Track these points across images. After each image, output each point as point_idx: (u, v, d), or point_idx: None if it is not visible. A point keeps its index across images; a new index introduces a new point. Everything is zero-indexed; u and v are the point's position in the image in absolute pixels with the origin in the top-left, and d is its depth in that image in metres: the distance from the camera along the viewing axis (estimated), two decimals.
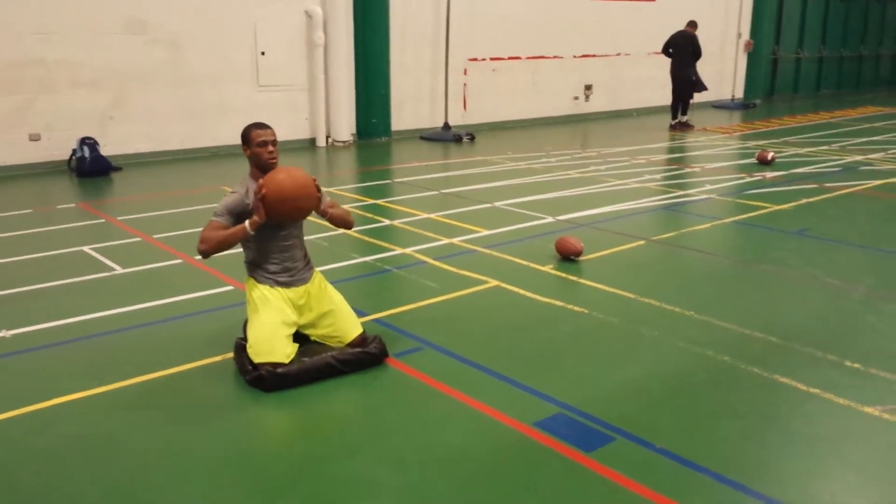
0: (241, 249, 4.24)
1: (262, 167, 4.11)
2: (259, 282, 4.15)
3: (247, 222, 3.95)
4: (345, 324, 4.26)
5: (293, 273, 4.17)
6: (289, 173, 3.96)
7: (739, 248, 6.67)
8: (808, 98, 21.20)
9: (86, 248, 6.39)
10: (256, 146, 4.08)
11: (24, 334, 4.64)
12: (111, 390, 3.92)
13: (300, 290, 4.19)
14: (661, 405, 3.77)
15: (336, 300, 4.29)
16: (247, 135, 4.12)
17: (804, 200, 8.15)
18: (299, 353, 4.11)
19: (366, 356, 4.16)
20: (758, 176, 9.57)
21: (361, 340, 4.24)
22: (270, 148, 4.09)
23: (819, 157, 10.94)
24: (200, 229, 4.05)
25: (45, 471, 3.23)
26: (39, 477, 3.19)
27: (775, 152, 10.71)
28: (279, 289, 4.13)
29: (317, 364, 4.03)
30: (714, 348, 4.40)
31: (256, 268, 4.17)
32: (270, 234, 4.09)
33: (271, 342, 3.97)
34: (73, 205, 8.18)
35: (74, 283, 5.56)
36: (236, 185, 4.17)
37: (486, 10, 13.97)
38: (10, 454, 3.36)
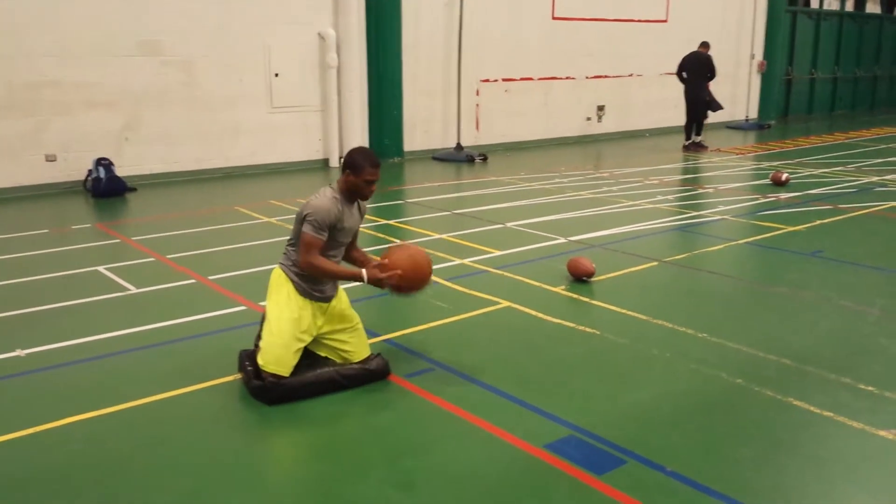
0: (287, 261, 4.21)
1: (356, 196, 4.14)
2: (290, 279, 4.13)
3: (365, 273, 4.03)
4: (359, 344, 4.30)
5: (326, 291, 4.18)
6: (418, 265, 4.14)
7: (753, 270, 6.64)
8: (822, 119, 21.13)
9: (101, 268, 6.43)
10: (364, 182, 4.04)
11: (38, 353, 4.67)
12: (122, 409, 3.94)
13: (326, 305, 4.21)
14: (674, 428, 3.75)
15: (355, 320, 4.33)
16: (359, 166, 4.02)
17: (819, 222, 8.12)
18: (303, 366, 4.13)
19: (368, 372, 4.22)
20: (772, 197, 9.54)
21: (365, 358, 4.28)
22: (374, 188, 4.12)
23: (834, 178, 10.90)
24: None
25: (55, 490, 3.24)
26: (49, 496, 3.20)
27: (790, 173, 10.68)
28: (308, 300, 4.13)
29: (320, 378, 4.10)
30: (727, 370, 4.37)
31: (295, 273, 4.12)
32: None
33: (282, 354, 4.01)
34: (88, 225, 8.26)
35: (89, 303, 5.60)
36: (326, 193, 4.06)
37: (498, 31, 14.05)
38: (22, 473, 3.38)
